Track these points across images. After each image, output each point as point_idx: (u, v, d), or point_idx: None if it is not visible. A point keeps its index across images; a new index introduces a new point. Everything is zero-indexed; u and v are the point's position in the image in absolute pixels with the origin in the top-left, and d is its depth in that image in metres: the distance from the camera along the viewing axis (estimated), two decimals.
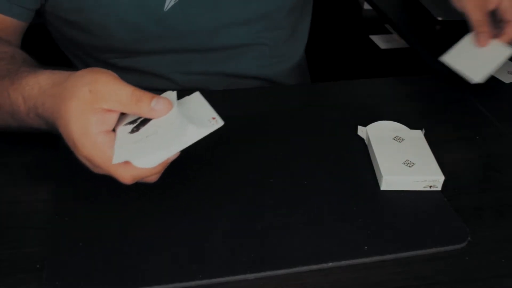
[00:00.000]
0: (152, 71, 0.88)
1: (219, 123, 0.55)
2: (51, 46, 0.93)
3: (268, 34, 0.91)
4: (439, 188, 0.63)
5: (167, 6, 0.80)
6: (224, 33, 0.86)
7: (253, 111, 0.76)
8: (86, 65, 0.91)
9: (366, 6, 1.53)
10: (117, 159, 0.54)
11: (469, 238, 0.58)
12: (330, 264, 0.55)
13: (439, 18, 1.10)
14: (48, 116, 0.59)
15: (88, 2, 0.78)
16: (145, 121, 0.56)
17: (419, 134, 0.70)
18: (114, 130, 0.56)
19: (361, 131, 0.71)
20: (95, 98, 0.54)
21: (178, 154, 0.56)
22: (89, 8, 0.78)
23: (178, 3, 0.80)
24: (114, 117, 0.55)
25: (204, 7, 0.82)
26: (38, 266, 0.54)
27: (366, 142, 0.70)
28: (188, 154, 0.63)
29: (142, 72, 0.88)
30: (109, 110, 0.55)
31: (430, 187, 0.63)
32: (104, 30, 0.81)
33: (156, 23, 0.81)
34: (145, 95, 0.55)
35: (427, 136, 0.69)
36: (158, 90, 0.90)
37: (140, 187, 0.61)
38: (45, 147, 0.67)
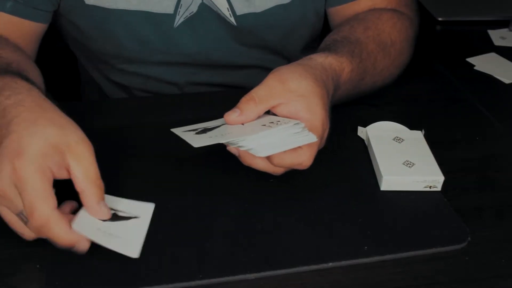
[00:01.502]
0: (158, 78, 0.88)
1: None
2: (57, 43, 0.94)
3: (276, 61, 0.90)
4: (439, 188, 0.63)
5: (177, 22, 0.80)
6: (231, 53, 0.86)
7: None
8: (94, 66, 0.92)
9: None
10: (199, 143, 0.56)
11: (469, 238, 0.58)
12: (330, 264, 0.55)
13: (439, 18, 1.10)
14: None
15: (99, 11, 0.78)
16: (208, 129, 0.60)
17: (419, 135, 0.70)
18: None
19: (361, 131, 0.71)
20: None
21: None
22: (99, 16, 0.79)
23: (188, 20, 0.80)
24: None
25: (213, 26, 0.82)
26: (38, 266, 0.54)
27: (366, 142, 0.70)
28: (188, 154, 0.63)
29: (149, 77, 0.88)
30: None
31: (430, 187, 0.63)
32: (113, 39, 0.81)
33: (164, 38, 0.81)
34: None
35: (427, 137, 0.69)
36: (163, 95, 0.91)
37: (139, 187, 0.61)
38: None
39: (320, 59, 0.67)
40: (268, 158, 0.59)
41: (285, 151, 0.59)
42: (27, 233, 0.53)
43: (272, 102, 0.61)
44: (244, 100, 0.61)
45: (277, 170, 0.61)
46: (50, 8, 0.78)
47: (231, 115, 0.60)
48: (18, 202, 0.51)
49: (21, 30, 0.76)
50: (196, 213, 0.59)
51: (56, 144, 0.52)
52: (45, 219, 0.50)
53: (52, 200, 0.51)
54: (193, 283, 0.52)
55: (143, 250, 0.55)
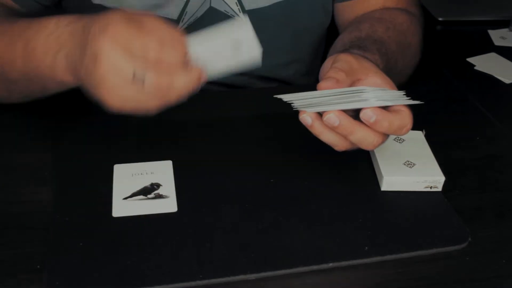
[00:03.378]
0: None
1: None
2: None
3: (286, 67, 0.90)
4: (439, 188, 0.63)
5: (180, 28, 0.78)
6: None
7: (255, 111, 0.76)
8: None
9: None
10: None
11: (469, 239, 0.58)
12: (331, 264, 0.55)
13: (439, 18, 1.10)
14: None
15: (104, 10, 0.78)
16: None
17: (419, 135, 0.70)
18: None
19: None
20: None
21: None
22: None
23: (191, 25, 0.78)
24: None
25: None
26: (38, 266, 0.53)
27: None
28: (189, 154, 0.63)
29: None
30: None
31: (431, 187, 0.63)
32: None
33: None
34: None
35: (427, 137, 0.69)
36: None
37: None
38: (45, 147, 0.67)
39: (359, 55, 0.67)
40: (374, 123, 0.57)
41: (390, 114, 0.58)
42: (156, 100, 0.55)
43: (355, 76, 0.61)
44: (332, 71, 0.60)
45: (374, 137, 0.59)
46: (48, 3, 0.78)
47: (326, 83, 0.59)
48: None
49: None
50: (196, 213, 0.59)
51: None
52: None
53: None
54: (193, 283, 0.52)
55: (143, 251, 0.55)
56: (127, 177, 0.62)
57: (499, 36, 1.04)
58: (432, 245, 0.57)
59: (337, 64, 0.61)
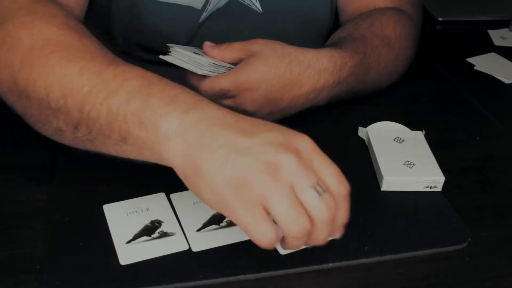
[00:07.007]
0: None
1: None
2: None
3: None
4: (439, 188, 0.63)
5: (203, 18, 0.81)
6: None
7: None
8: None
9: None
10: None
11: (469, 239, 0.58)
12: (331, 264, 0.55)
13: (439, 18, 1.10)
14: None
15: (125, 2, 0.79)
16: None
17: (419, 135, 0.70)
18: None
19: (362, 132, 0.71)
20: None
21: None
22: (129, 1, 0.80)
23: (213, 14, 0.82)
24: None
25: (238, 19, 0.83)
26: (38, 266, 0.53)
27: (367, 142, 0.70)
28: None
29: (163, 63, 0.88)
30: None
31: (431, 187, 0.63)
32: (137, 27, 0.82)
33: (188, 32, 0.82)
34: None
35: (427, 137, 0.69)
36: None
37: (140, 186, 0.61)
38: (45, 147, 0.67)
39: (324, 51, 0.71)
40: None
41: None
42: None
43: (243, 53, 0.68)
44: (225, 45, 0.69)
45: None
46: None
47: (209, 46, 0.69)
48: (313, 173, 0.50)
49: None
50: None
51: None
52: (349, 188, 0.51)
53: None
54: (193, 283, 0.52)
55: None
56: (122, 217, 0.58)
57: (499, 36, 1.04)
58: (432, 245, 0.57)
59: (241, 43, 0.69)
